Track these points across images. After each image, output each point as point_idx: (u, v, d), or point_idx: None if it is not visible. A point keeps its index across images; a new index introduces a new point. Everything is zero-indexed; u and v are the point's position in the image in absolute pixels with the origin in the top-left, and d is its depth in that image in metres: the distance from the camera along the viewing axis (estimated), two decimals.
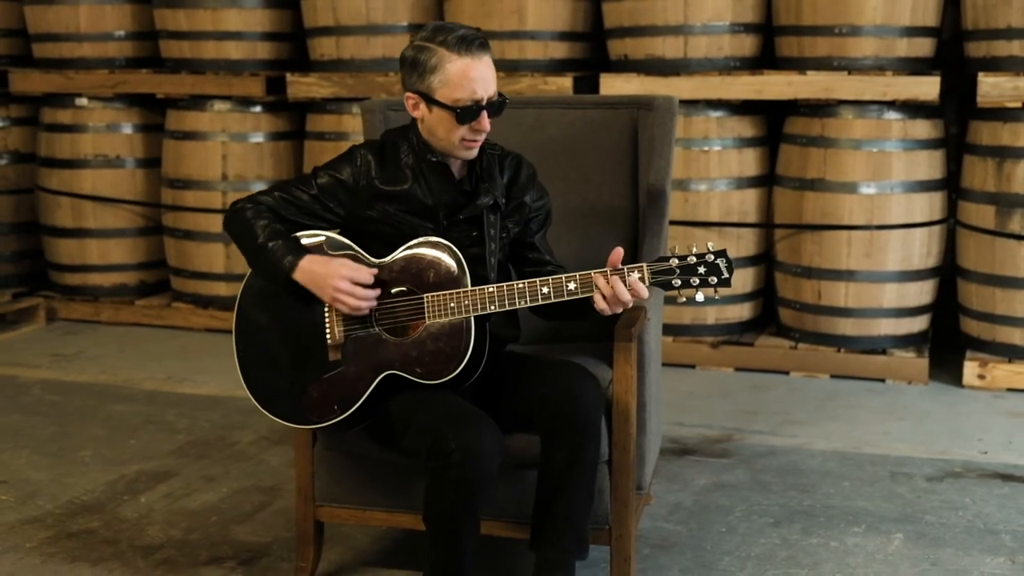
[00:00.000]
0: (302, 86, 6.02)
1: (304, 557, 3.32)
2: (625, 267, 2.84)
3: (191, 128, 6.24)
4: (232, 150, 6.21)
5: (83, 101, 6.45)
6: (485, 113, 2.93)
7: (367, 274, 2.91)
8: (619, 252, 2.85)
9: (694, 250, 2.86)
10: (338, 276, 2.89)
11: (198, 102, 6.24)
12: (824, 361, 5.44)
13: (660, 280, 2.84)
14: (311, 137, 6.13)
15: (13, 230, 6.77)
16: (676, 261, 2.84)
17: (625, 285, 2.81)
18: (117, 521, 3.81)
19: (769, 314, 5.83)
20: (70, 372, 5.57)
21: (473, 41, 2.90)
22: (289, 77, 6.05)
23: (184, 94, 6.26)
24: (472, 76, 2.89)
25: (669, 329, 5.60)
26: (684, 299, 2.86)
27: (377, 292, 2.93)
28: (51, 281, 6.73)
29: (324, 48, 6.04)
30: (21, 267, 6.82)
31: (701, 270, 2.83)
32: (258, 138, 6.24)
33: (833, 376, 5.43)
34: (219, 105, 6.21)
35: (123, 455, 4.42)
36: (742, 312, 5.69)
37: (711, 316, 5.63)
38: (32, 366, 5.66)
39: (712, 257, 2.84)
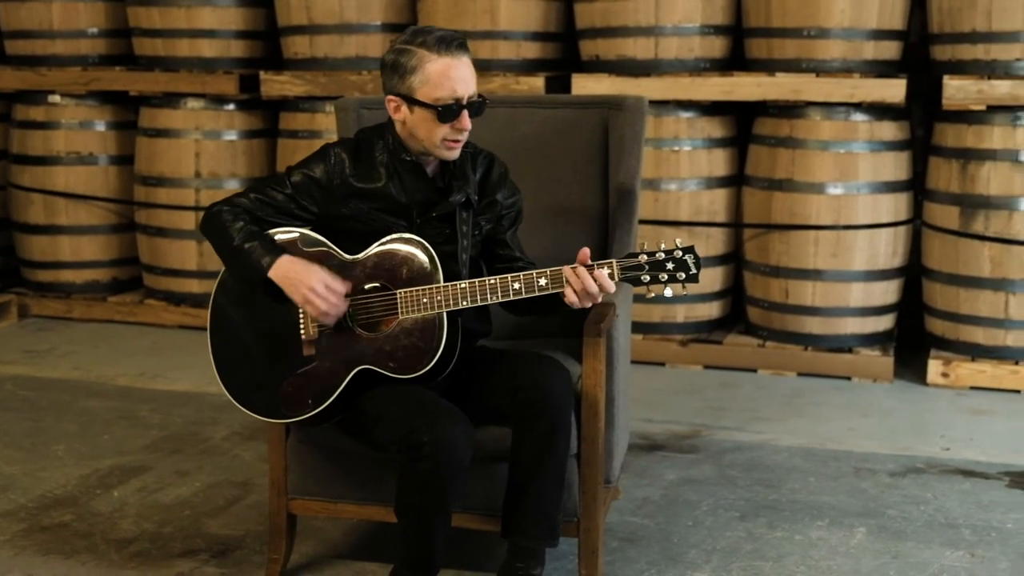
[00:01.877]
0: (275, 84, 6.05)
1: (276, 549, 3.35)
2: (595, 263, 2.89)
3: (164, 126, 6.26)
4: (205, 148, 6.23)
5: (56, 98, 6.46)
6: (466, 112, 2.97)
7: (342, 285, 2.95)
8: (586, 251, 2.91)
9: (663, 246, 2.92)
10: (315, 279, 2.92)
11: (171, 100, 6.26)
12: (791, 359, 5.51)
13: (629, 276, 2.89)
14: (284, 135, 6.16)
15: None
16: (645, 257, 2.89)
17: (593, 279, 2.87)
18: (90, 515, 3.84)
19: (738, 313, 5.90)
20: (43, 368, 5.58)
21: (452, 41, 2.95)
22: (263, 75, 6.08)
23: (157, 92, 6.27)
24: (452, 75, 2.94)
25: (639, 327, 5.66)
26: (653, 295, 2.91)
27: (347, 304, 2.96)
28: (23, 278, 6.74)
29: (298, 47, 6.07)
30: None
31: (669, 266, 2.89)
32: (231, 136, 6.26)
33: (800, 374, 5.50)
34: (192, 103, 6.23)
35: (96, 450, 4.44)
36: (711, 311, 5.76)
37: (680, 314, 5.69)
38: (5, 362, 5.67)
39: (680, 253, 2.89)
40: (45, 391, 5.19)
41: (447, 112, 2.94)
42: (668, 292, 2.89)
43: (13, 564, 3.48)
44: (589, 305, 2.91)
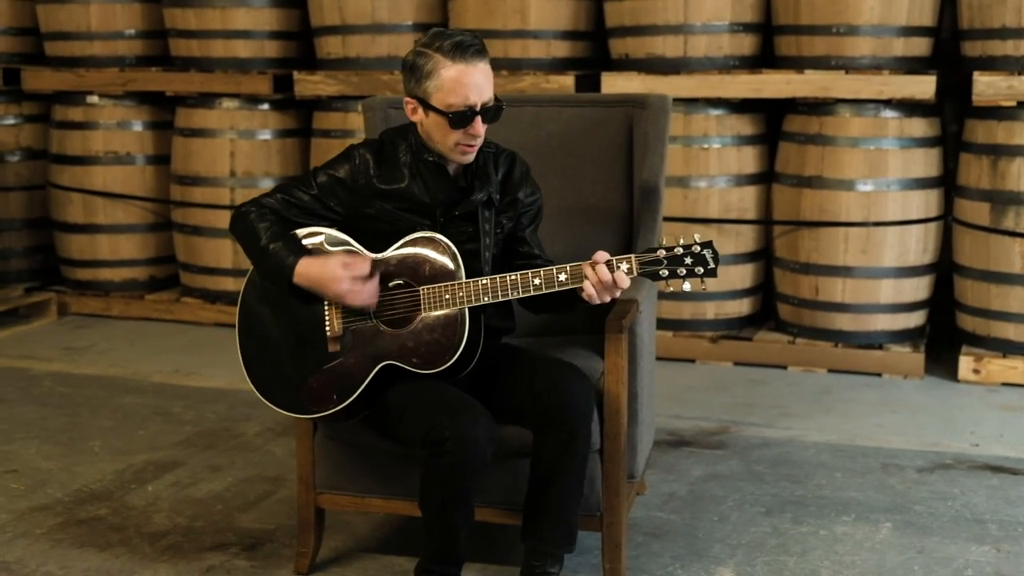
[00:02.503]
0: (309, 84, 6.11)
1: (305, 543, 3.41)
2: (614, 258, 2.93)
3: (200, 125, 6.34)
4: (240, 147, 6.30)
5: (94, 99, 6.56)
6: (479, 119, 3.01)
7: (364, 265, 2.99)
8: (602, 254, 2.94)
9: (681, 241, 2.95)
10: (338, 277, 2.96)
11: (207, 100, 6.34)
12: (821, 356, 5.52)
13: (648, 271, 2.92)
14: (317, 135, 6.23)
15: (25, 226, 6.88)
16: (663, 252, 2.93)
17: (610, 274, 2.90)
18: (124, 509, 3.91)
19: (768, 309, 5.91)
20: (81, 365, 5.67)
21: (468, 48, 2.98)
22: (296, 75, 6.14)
23: (193, 92, 6.36)
24: (465, 82, 2.97)
25: (669, 324, 5.68)
26: (672, 289, 2.94)
27: (377, 282, 3.00)
28: (63, 276, 6.85)
29: (330, 47, 6.13)
30: (33, 262, 6.94)
31: (688, 260, 2.92)
32: (265, 135, 6.33)
33: (830, 371, 5.50)
34: (227, 103, 6.31)
35: (131, 445, 4.52)
36: (741, 307, 5.77)
37: (711, 311, 5.71)
38: (44, 359, 5.77)
39: (699, 248, 2.93)
40: (82, 388, 5.28)
41: (458, 119, 2.98)
42: (687, 286, 2.92)
43: (49, 557, 3.55)
44: (608, 300, 2.94)
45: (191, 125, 6.36)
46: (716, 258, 2.92)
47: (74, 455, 4.41)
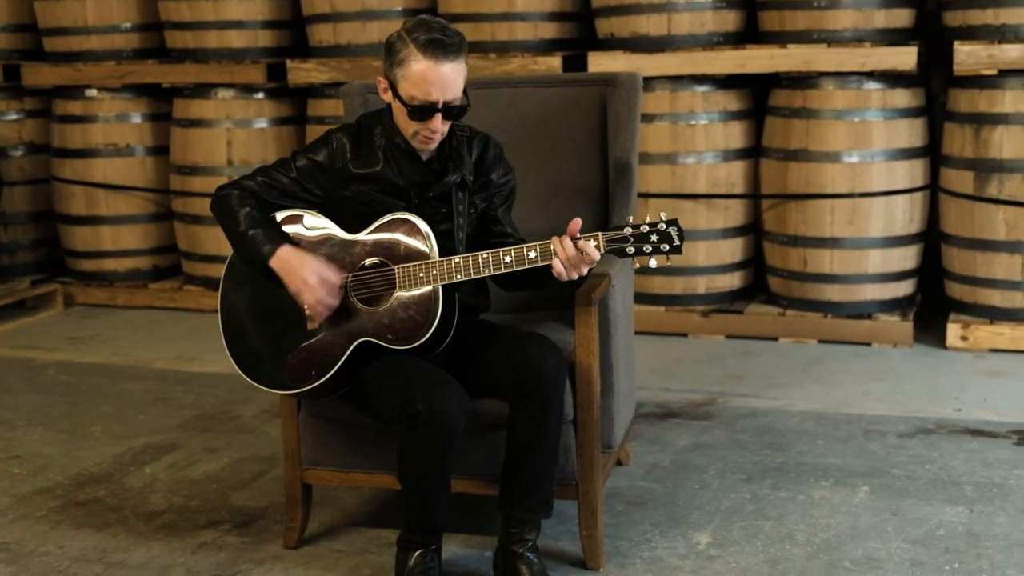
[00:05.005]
0: (302, 72, 6.20)
1: (293, 518, 3.51)
2: (582, 236, 3.00)
3: (197, 116, 6.44)
4: (236, 136, 6.40)
5: (93, 92, 6.65)
6: (438, 115, 3.07)
7: (336, 276, 3.10)
8: (577, 222, 3.01)
9: (648, 219, 3.02)
10: (309, 271, 3.08)
11: (203, 90, 6.43)
12: (811, 327, 5.59)
13: (615, 248, 3.00)
14: (312, 121, 6.31)
15: (30, 219, 7.00)
16: (630, 230, 3.00)
17: (578, 249, 2.97)
18: (122, 490, 4.02)
19: (759, 282, 5.98)
20: (85, 354, 5.78)
21: (443, 46, 3.02)
22: (289, 64, 6.23)
23: (189, 83, 6.45)
24: (430, 79, 3.03)
25: (661, 299, 5.76)
26: (639, 265, 3.01)
27: (339, 297, 3.10)
28: (68, 267, 6.96)
29: (322, 34, 6.21)
30: (39, 254, 7.05)
31: (653, 238, 2.99)
32: (261, 124, 6.43)
33: (821, 341, 5.57)
34: (223, 93, 6.40)
35: (131, 430, 4.62)
36: (732, 281, 5.84)
37: (702, 285, 5.78)
38: (48, 349, 5.88)
39: (664, 226, 3.00)
40: (85, 375, 5.39)
41: (416, 112, 3.06)
42: (653, 263, 3.00)
43: (48, 537, 3.66)
44: (576, 277, 3.02)
45: (188, 116, 6.46)
46: (681, 235, 2.98)
47: (75, 440, 4.52)
